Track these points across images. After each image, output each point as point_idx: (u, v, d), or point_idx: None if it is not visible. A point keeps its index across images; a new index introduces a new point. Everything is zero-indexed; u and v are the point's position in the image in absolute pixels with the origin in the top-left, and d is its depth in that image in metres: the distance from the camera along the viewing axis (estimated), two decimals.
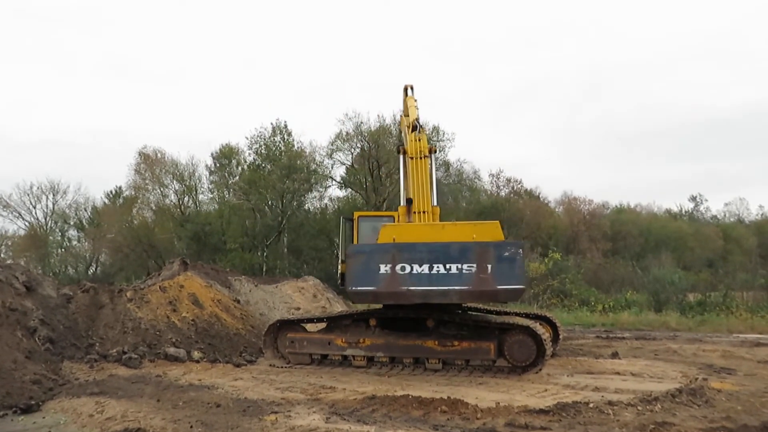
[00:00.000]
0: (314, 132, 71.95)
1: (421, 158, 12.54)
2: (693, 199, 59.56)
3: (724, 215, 57.10)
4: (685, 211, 59.20)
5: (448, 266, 10.34)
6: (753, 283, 27.81)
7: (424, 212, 12.07)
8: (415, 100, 15.09)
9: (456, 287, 10.28)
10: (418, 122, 13.63)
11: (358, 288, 10.58)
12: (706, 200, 55.38)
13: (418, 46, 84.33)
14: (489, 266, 10.20)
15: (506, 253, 10.29)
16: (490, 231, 10.76)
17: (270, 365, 12.43)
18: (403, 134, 14.62)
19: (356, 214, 13.41)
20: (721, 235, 48.52)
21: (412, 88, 15.58)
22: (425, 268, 10.39)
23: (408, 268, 10.45)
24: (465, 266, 10.28)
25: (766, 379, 10.30)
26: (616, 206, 52.80)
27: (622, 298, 26.43)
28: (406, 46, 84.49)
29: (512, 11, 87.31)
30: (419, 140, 12.86)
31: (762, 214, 53.92)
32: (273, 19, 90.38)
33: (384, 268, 10.45)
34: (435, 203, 12.38)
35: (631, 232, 46.71)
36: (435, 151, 13.23)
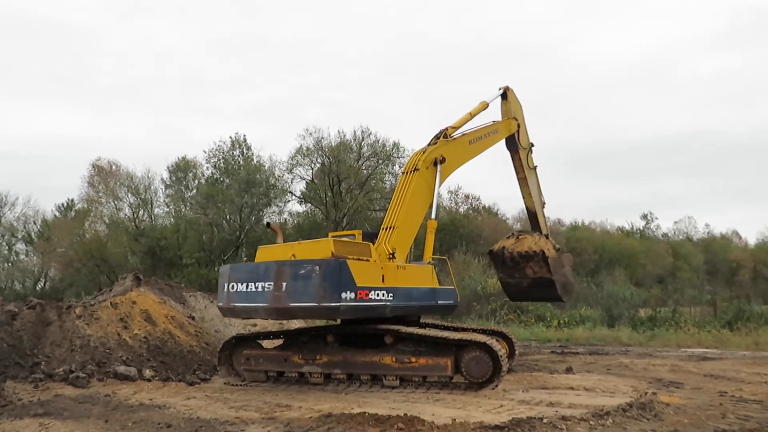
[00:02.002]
0: (273, 147, 71.64)
1: (404, 173, 13.63)
2: (644, 217, 61.42)
3: (674, 233, 59.03)
4: (637, 229, 60.93)
5: (257, 284, 10.82)
6: (700, 299, 28.77)
7: (389, 228, 12.56)
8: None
9: (260, 304, 10.72)
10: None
11: (217, 303, 11.96)
12: (656, 218, 57.05)
13: (372, 63, 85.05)
14: (284, 284, 10.44)
15: (302, 271, 10.43)
16: (322, 248, 10.97)
17: (225, 383, 12.18)
18: None
19: (330, 234, 13.85)
20: (671, 252, 50.09)
21: None
22: (244, 287, 11.01)
23: (235, 287, 11.20)
24: (266, 284, 10.66)
25: (712, 392, 10.63)
26: (572, 223, 54.05)
27: (577, 314, 26.95)
28: (361, 64, 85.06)
29: (462, 36, 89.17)
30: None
31: (708, 233, 55.98)
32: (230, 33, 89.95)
33: (226, 287, 11.41)
34: (434, 216, 13.26)
35: (586, 249, 47.78)
36: (435, 163, 13.53)
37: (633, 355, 16.67)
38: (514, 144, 16.17)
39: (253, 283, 10.90)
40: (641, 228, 60.90)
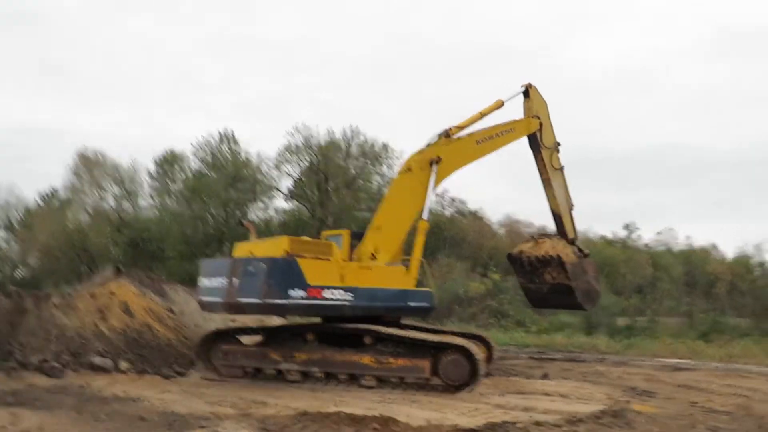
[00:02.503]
0: (260, 144, 71.33)
1: (398, 174, 13.83)
2: (626, 227, 61.86)
3: (655, 244, 59.65)
4: (619, 238, 61.44)
5: (216, 280, 11.37)
6: (677, 310, 29.12)
7: (376, 228, 12.95)
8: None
9: (217, 299, 11.25)
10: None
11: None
12: (639, 228, 57.48)
13: (362, 64, 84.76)
14: (235, 280, 10.80)
15: (250, 268, 10.74)
16: (277, 246, 11.26)
17: (201, 378, 12.14)
18: None
19: (323, 234, 14.19)
20: (651, 263, 50.55)
21: None
22: (208, 281, 11.70)
23: (203, 281, 11.92)
24: (222, 280, 11.12)
25: (683, 402, 10.78)
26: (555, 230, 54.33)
27: (556, 321, 27.16)
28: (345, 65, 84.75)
29: (452, 39, 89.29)
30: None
31: (689, 245, 56.60)
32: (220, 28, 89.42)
33: (199, 281, 12.19)
34: (425, 217, 13.16)
35: None
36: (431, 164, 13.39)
37: (609, 363, 16.83)
38: (536, 143, 15.47)
39: (214, 278, 11.36)
40: (623, 237, 61.45)
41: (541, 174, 15.74)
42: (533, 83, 15.59)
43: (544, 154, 15.49)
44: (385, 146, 40.21)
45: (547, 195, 15.84)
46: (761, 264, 43.19)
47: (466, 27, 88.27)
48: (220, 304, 11.33)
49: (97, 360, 11.99)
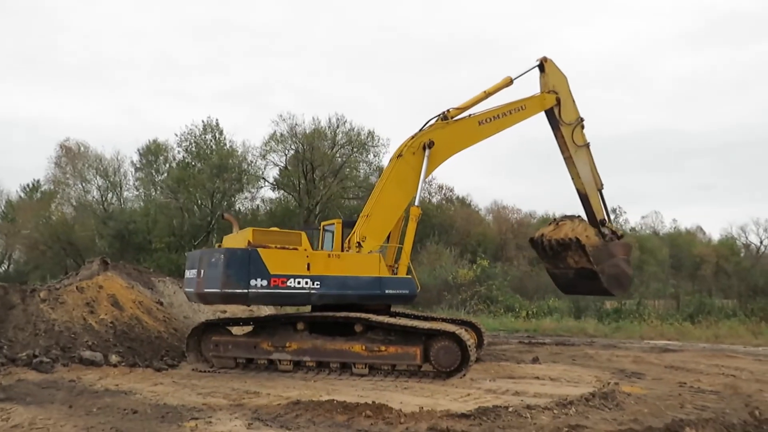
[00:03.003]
0: (243, 132, 70.58)
1: (391, 160, 13.62)
2: (613, 211, 62.40)
3: (641, 227, 60.25)
4: None
5: (191, 271, 11.80)
6: (664, 292, 29.46)
7: (365, 216, 12.97)
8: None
9: (191, 289, 11.73)
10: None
11: None
12: (625, 212, 58.07)
13: (346, 53, 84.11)
14: (202, 271, 11.22)
15: (213, 259, 11.17)
16: (243, 238, 11.57)
17: (192, 369, 12.10)
18: None
19: (322, 224, 14.29)
20: (638, 246, 51.07)
21: None
22: (187, 273, 12.13)
23: (186, 273, 12.28)
24: (193, 272, 11.61)
25: (671, 383, 10.94)
26: (543, 216, 54.64)
27: (545, 305, 27.37)
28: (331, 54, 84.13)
29: (435, 28, 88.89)
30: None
31: (675, 228, 57.18)
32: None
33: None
34: (416, 203, 13.11)
35: None
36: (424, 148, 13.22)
37: (598, 346, 17.02)
38: (554, 120, 14.89)
39: (190, 270, 11.83)
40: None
41: (562, 152, 15.12)
42: (549, 57, 15.03)
43: (564, 131, 14.90)
44: (371, 134, 40.18)
45: (571, 174, 15.17)
46: (746, 246, 43.80)
47: (447, 19, 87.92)
48: (193, 294, 11.70)
49: (87, 354, 11.90)
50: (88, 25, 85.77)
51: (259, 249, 11.09)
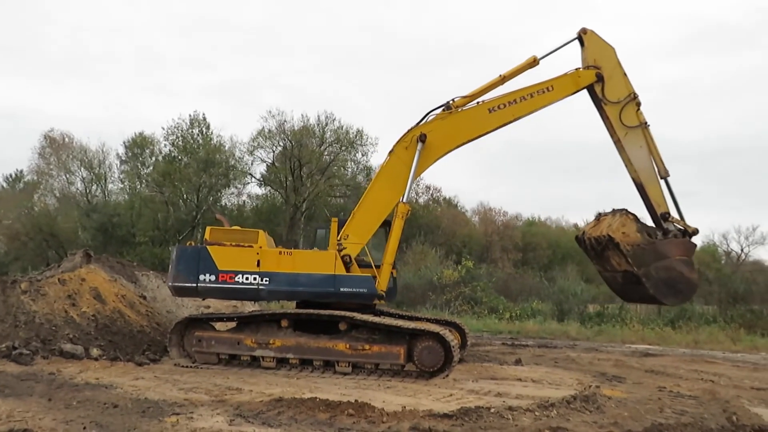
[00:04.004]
0: (229, 129, 69.96)
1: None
2: (598, 216, 63.05)
3: None
4: None
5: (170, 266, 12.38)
6: None
7: (353, 212, 12.83)
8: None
9: (169, 283, 12.43)
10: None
11: None
12: None
13: (333, 53, 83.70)
14: (171, 267, 12.14)
15: (173, 256, 12.18)
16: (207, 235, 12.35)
17: (175, 364, 12.03)
18: None
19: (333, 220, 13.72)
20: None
21: None
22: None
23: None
24: (170, 266, 12.29)
25: (652, 387, 11.06)
26: (528, 219, 54.94)
27: (529, 307, 27.52)
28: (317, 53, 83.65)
29: (425, 31, 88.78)
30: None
31: None
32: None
33: None
34: (405, 200, 12.54)
35: (541, 244, 48.68)
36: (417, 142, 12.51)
37: (580, 350, 17.17)
38: (597, 99, 12.94)
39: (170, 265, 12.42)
40: None
41: (610, 135, 13.06)
42: (589, 27, 12.96)
43: (610, 111, 12.83)
44: (359, 133, 40.10)
45: (623, 160, 13.01)
46: (727, 253, 44.34)
47: (434, 20, 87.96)
48: (169, 287, 12.59)
49: (68, 347, 11.78)
50: (74, 17, 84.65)
51: (209, 246, 11.89)
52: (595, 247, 12.95)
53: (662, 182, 12.92)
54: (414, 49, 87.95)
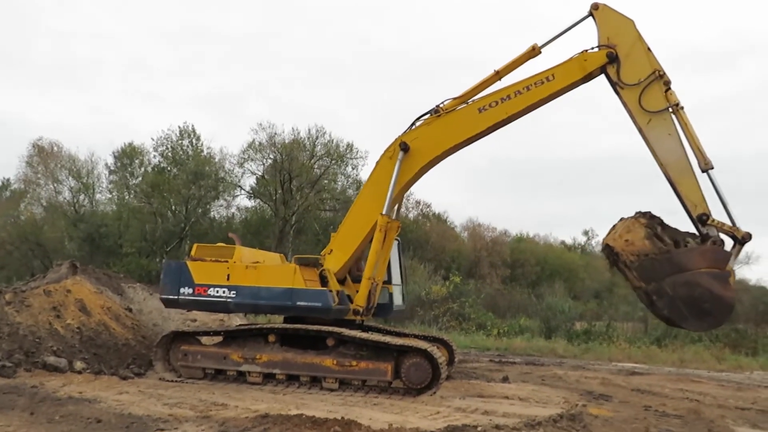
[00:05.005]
0: (217, 140, 69.62)
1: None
2: (585, 233, 63.39)
3: None
4: (578, 244, 62.86)
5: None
6: (633, 315, 29.89)
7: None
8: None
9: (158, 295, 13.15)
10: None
11: None
12: (597, 234, 59.02)
13: (320, 65, 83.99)
14: (160, 280, 12.77)
15: (163, 269, 13.07)
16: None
17: (159, 379, 11.92)
18: None
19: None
20: (610, 271, 51.84)
21: None
22: None
23: None
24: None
25: (638, 406, 11.08)
26: (517, 235, 55.25)
27: (516, 324, 27.55)
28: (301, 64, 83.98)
29: (409, 44, 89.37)
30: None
31: None
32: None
33: None
34: (384, 212, 11.90)
35: (529, 261, 48.94)
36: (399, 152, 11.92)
37: (567, 367, 17.17)
38: (612, 83, 11.06)
39: None
40: (582, 243, 62.91)
41: (634, 124, 10.98)
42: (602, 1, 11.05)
43: (626, 95, 10.87)
44: (350, 146, 40.23)
45: (650, 149, 10.85)
46: None
47: (420, 35, 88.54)
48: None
49: (52, 359, 11.64)
50: (62, 25, 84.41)
51: (189, 261, 12.43)
52: (609, 259, 10.96)
53: (704, 176, 10.61)
54: (401, 61, 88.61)
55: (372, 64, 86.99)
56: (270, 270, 12.24)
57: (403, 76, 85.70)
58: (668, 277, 10.04)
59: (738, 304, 10.98)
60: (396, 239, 14.08)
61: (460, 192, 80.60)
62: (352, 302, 12.16)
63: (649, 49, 10.87)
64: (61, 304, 13.37)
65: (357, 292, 12.22)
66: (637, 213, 10.61)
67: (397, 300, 13.87)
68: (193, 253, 12.72)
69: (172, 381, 11.76)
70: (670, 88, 10.76)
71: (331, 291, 11.74)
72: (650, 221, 10.41)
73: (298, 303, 11.78)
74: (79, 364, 11.86)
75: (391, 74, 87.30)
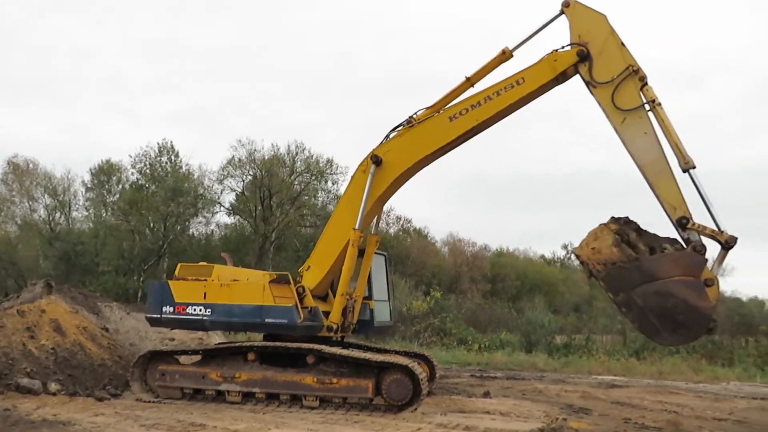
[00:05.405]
0: (196, 156, 69.24)
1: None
2: (565, 247, 63.93)
3: None
4: (558, 258, 63.39)
5: None
6: (612, 327, 30.16)
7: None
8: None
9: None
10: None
11: None
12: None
13: (300, 80, 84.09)
14: (147, 299, 13.12)
15: (149, 289, 13.50)
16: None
17: (136, 399, 11.72)
18: None
19: None
20: (587, 282, 52.32)
21: None
22: None
23: None
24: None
25: (617, 419, 11.16)
26: (497, 249, 55.56)
27: (497, 339, 27.62)
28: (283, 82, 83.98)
29: (386, 62, 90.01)
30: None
31: None
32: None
33: None
34: (357, 226, 11.76)
35: (509, 275, 49.21)
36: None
37: (547, 381, 17.24)
38: (585, 80, 10.43)
39: None
40: (561, 257, 63.43)
41: (609, 122, 10.25)
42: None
43: (599, 94, 10.22)
44: (330, 162, 40.21)
45: (627, 150, 10.10)
46: None
47: (400, 51, 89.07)
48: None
49: (25, 381, 11.38)
50: (39, 40, 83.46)
51: (170, 281, 12.53)
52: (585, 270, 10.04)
53: (686, 177, 9.82)
54: (380, 77, 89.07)
55: (353, 79, 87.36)
56: (241, 287, 12.21)
57: (385, 91, 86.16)
58: (638, 287, 9.22)
59: (714, 316, 9.07)
60: (383, 254, 14.16)
61: (440, 207, 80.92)
62: None
63: (623, 44, 10.25)
64: (35, 325, 13.11)
65: None
66: (611, 218, 9.83)
67: (382, 316, 13.80)
68: (176, 272, 12.80)
69: (149, 402, 11.57)
70: (646, 84, 10.09)
71: (296, 307, 11.58)
72: (622, 227, 9.64)
73: (267, 320, 11.80)
74: (53, 386, 11.62)
75: (372, 89, 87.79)
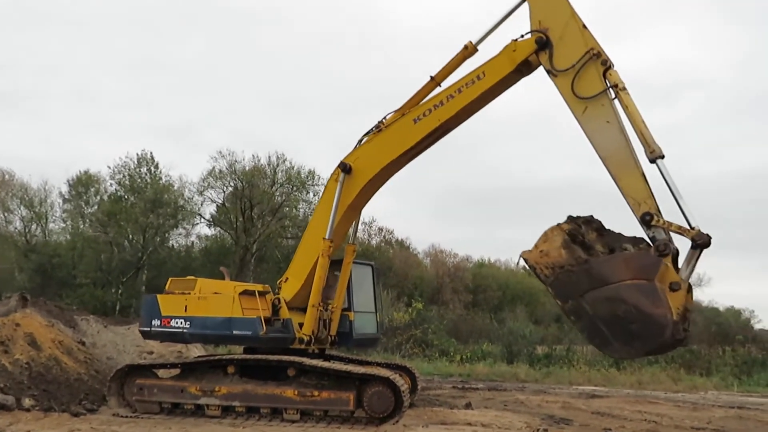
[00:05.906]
0: (182, 167, 68.52)
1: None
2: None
3: None
4: None
5: None
6: None
7: None
8: None
9: None
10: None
11: None
12: None
13: (276, 94, 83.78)
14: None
15: (142, 303, 13.53)
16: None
17: (113, 414, 11.51)
18: None
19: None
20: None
21: None
22: None
23: None
24: None
25: (597, 429, 11.23)
26: (479, 260, 55.72)
27: (479, 350, 27.65)
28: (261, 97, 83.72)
29: (364, 76, 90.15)
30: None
31: None
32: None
33: None
34: (327, 236, 11.67)
35: (491, 286, 49.32)
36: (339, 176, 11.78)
37: (529, 392, 17.29)
38: (546, 70, 9.74)
39: None
40: None
41: (571, 112, 9.46)
42: None
43: (559, 83, 9.51)
44: (311, 173, 40.09)
45: (589, 142, 9.26)
46: None
47: (379, 63, 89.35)
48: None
49: None
50: (9, 54, 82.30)
51: (158, 295, 12.64)
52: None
53: (653, 169, 8.78)
54: (360, 91, 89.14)
55: (333, 93, 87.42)
56: (214, 300, 12.21)
57: (366, 103, 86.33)
58: (587, 293, 8.24)
59: (692, 326, 8.20)
60: (370, 264, 14.16)
61: (422, 219, 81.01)
62: None
63: (585, 26, 9.42)
64: (9, 339, 12.85)
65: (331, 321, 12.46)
66: (567, 217, 8.86)
67: (367, 328, 13.72)
68: (166, 286, 12.93)
69: (126, 417, 11.38)
70: (610, 68, 9.19)
71: (260, 319, 11.49)
72: (577, 227, 8.67)
73: (234, 332, 11.89)
74: (27, 401, 11.38)
75: (353, 102, 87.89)
